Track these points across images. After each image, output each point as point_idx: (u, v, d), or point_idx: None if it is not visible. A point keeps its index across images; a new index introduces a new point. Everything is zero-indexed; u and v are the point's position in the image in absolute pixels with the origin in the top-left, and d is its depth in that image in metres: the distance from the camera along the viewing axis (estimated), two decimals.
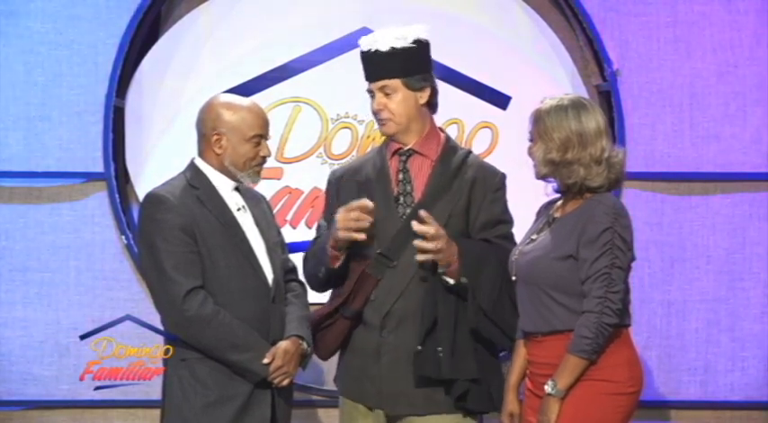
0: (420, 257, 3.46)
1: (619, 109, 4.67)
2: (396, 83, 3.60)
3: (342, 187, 3.68)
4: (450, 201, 3.58)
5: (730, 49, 4.75)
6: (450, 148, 3.67)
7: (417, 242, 3.45)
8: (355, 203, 3.49)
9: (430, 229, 3.43)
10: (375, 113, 3.64)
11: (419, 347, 3.48)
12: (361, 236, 3.48)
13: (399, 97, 3.60)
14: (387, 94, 3.60)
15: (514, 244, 3.61)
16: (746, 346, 4.73)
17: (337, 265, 3.56)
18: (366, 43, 3.61)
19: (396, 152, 3.65)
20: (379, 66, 3.59)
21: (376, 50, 3.58)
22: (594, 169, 3.34)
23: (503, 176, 3.69)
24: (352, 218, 3.47)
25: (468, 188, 3.60)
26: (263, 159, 3.58)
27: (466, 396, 3.51)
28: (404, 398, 3.53)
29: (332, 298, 3.68)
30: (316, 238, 3.72)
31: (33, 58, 4.73)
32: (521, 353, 3.48)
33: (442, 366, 3.46)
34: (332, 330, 3.61)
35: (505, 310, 3.51)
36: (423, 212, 3.46)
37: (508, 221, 3.67)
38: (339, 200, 3.65)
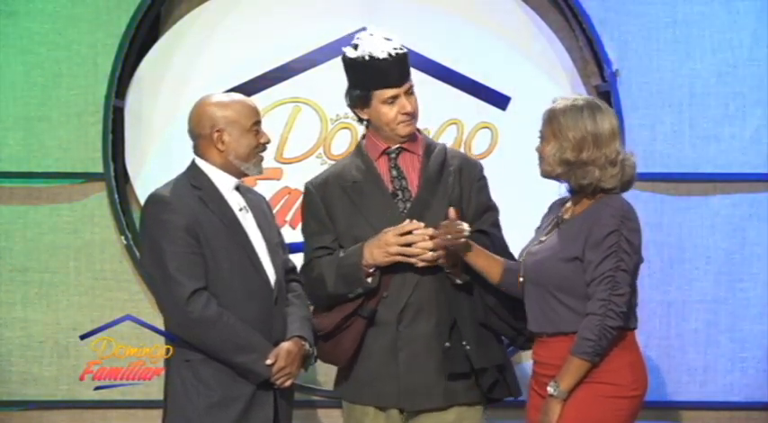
0: (421, 264, 3.50)
1: (618, 109, 4.66)
2: (411, 83, 3.63)
3: (327, 194, 3.65)
4: (445, 191, 3.61)
5: (730, 50, 4.75)
6: (429, 142, 3.71)
7: (419, 251, 3.48)
8: (408, 226, 3.49)
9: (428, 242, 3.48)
10: (405, 115, 3.59)
11: (447, 344, 3.51)
12: (415, 259, 3.50)
13: (414, 97, 3.64)
14: (411, 94, 3.62)
15: (501, 232, 3.65)
16: (746, 346, 4.73)
17: (373, 281, 3.55)
18: (375, 51, 3.54)
19: (384, 152, 3.66)
20: (401, 68, 3.58)
21: (396, 54, 3.55)
22: (609, 170, 3.33)
23: (482, 165, 3.74)
24: (407, 242, 3.48)
25: (458, 178, 3.63)
26: (265, 146, 3.59)
27: (494, 386, 3.55)
28: (423, 391, 3.54)
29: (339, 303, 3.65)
30: (315, 257, 3.65)
31: (33, 58, 4.73)
32: None
33: (472, 358, 3.50)
34: (348, 333, 3.59)
35: (511, 304, 3.53)
36: (414, 224, 3.49)
37: (494, 209, 3.70)
38: (328, 207, 3.63)
